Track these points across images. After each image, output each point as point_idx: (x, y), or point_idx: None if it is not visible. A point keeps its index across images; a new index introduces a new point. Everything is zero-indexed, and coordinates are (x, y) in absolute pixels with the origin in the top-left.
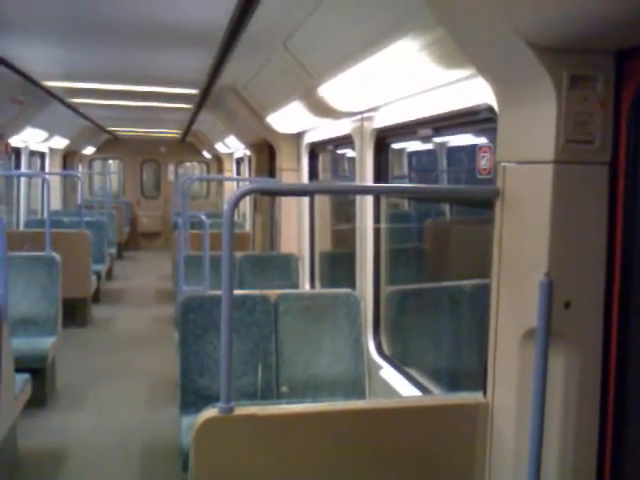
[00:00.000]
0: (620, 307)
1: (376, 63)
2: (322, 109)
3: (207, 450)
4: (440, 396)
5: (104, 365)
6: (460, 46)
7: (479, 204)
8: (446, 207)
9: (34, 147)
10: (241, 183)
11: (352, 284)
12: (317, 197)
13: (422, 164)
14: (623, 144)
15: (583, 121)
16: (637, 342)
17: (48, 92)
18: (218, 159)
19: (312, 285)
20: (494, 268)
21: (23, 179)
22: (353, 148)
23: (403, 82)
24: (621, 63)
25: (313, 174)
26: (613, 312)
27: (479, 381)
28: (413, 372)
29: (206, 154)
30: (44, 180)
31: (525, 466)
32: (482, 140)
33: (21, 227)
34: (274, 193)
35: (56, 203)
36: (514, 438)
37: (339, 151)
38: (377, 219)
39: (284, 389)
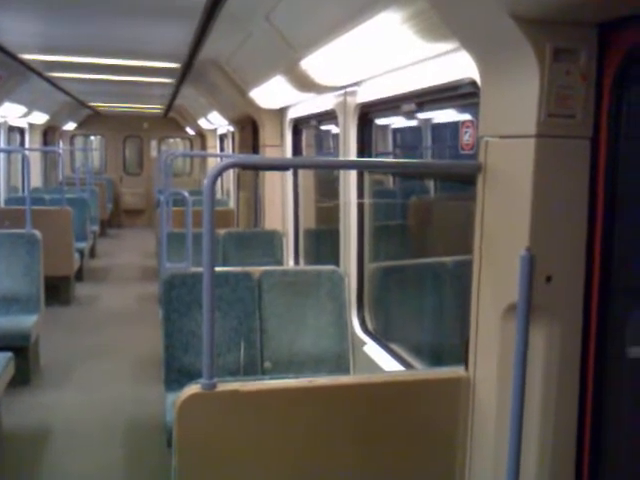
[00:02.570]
0: (600, 281)
1: (359, 36)
2: (305, 83)
3: (190, 426)
4: (423, 371)
5: (88, 343)
6: (443, 18)
7: (461, 179)
8: (430, 184)
9: (13, 122)
10: (224, 159)
11: (336, 261)
12: (301, 174)
13: (406, 141)
14: (604, 118)
15: (565, 95)
16: (617, 315)
17: (27, 66)
18: (201, 135)
19: (296, 262)
20: (476, 243)
21: (2, 155)
22: (337, 124)
23: (386, 55)
24: (604, 36)
25: (297, 150)
26: (593, 286)
27: (461, 355)
28: (396, 347)
29: (189, 130)
30: (24, 156)
31: (506, 438)
32: (467, 117)
33: (1, 204)
34: (255, 167)
35: (37, 180)
36: (496, 411)
37: (323, 127)
38: (361, 196)
39: (268, 365)
